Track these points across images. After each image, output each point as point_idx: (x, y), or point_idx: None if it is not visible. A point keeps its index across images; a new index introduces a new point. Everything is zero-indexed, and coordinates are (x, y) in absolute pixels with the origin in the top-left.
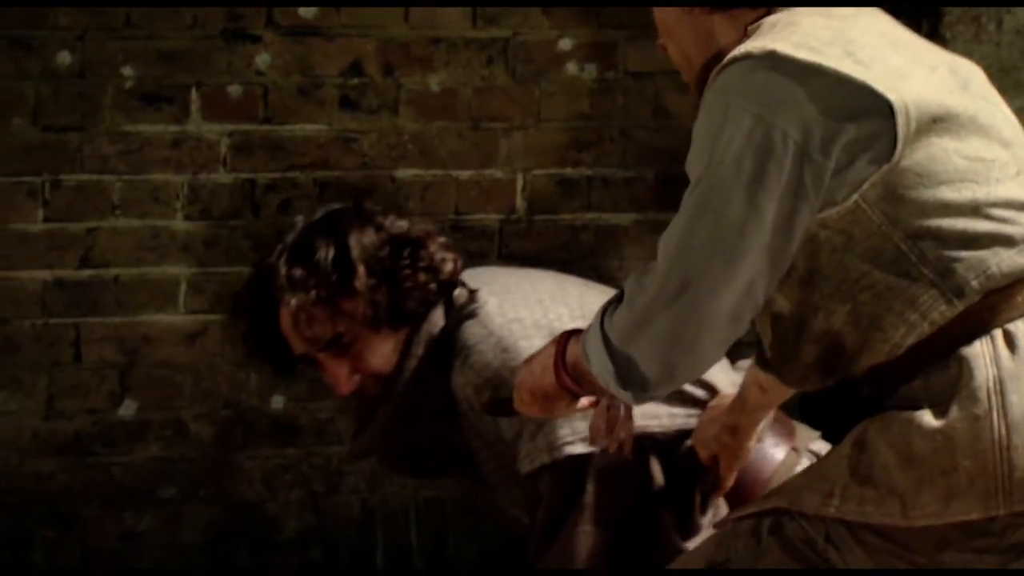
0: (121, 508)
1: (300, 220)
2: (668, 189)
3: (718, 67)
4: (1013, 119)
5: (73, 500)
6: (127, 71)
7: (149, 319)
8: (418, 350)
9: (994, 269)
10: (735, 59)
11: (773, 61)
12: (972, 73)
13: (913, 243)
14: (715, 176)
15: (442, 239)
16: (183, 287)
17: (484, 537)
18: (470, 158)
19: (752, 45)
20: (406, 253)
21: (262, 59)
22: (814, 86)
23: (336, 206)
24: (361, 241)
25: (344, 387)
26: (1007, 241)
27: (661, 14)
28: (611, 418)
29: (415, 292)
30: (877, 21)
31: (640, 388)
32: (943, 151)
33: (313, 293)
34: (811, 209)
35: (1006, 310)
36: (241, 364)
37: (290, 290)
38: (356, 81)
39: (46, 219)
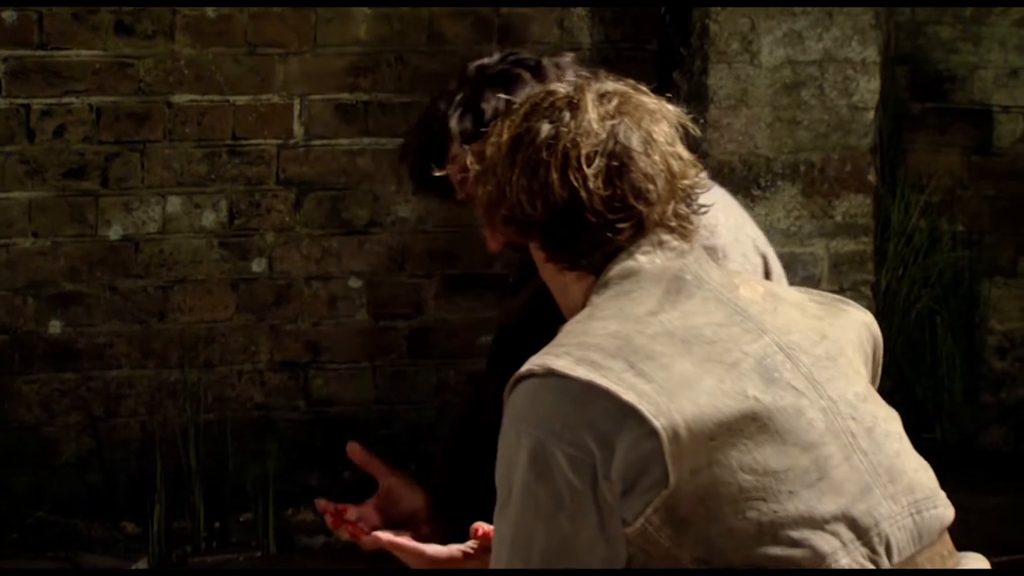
0: None
1: (470, 68)
2: None
3: (511, 382)
4: (848, 398)
5: None
6: None
7: None
8: None
9: None
10: (521, 377)
11: (553, 380)
12: (803, 347)
13: (700, 571)
14: (516, 510)
15: None
16: None
17: (265, 458)
18: (247, 83)
19: (537, 360)
20: None
21: None
22: (592, 407)
23: (515, 55)
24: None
25: (493, 245)
26: (790, 566)
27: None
28: None
29: None
30: (694, 306)
31: None
32: (727, 470)
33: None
34: (617, 523)
35: None
36: (18, 289)
37: (460, 143)
38: (131, 7)
39: None
